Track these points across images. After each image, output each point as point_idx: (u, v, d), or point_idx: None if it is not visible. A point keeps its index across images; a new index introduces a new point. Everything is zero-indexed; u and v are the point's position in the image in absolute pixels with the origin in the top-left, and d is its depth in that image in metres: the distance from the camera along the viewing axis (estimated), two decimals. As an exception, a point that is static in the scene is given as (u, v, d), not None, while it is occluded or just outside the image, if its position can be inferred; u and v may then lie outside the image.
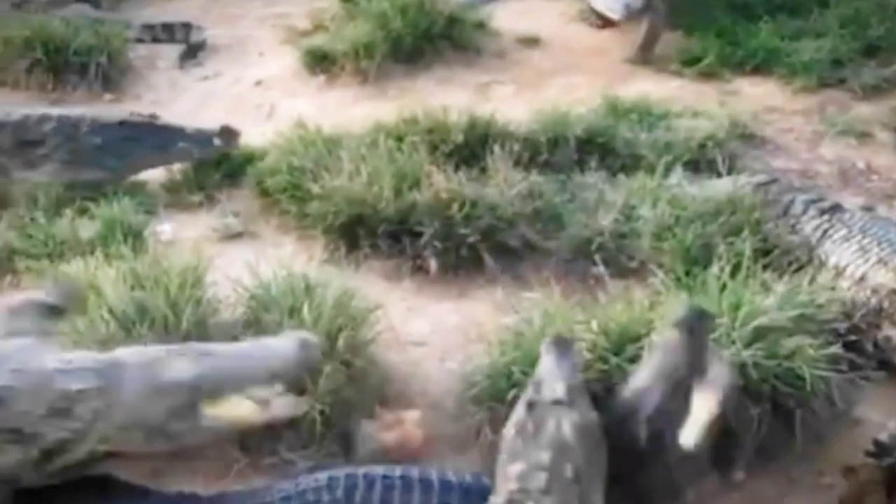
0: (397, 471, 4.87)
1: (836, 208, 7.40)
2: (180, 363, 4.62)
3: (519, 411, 4.68)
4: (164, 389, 4.54)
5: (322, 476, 4.85)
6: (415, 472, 4.87)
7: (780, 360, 5.69)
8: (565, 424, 4.44)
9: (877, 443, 5.34)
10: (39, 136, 8.07)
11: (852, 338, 6.31)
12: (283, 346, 4.84)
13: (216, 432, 4.74)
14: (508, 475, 4.50)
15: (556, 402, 4.54)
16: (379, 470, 4.89)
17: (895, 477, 5.20)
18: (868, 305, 6.60)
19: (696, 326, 4.72)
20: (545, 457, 4.39)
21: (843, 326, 6.24)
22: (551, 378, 4.65)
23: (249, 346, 5.00)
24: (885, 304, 6.59)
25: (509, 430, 4.67)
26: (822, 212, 7.34)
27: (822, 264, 6.99)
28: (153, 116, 8.49)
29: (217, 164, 8.46)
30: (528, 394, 4.70)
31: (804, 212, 7.37)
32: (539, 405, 4.56)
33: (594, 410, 4.63)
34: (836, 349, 5.89)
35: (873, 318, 6.56)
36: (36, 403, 4.38)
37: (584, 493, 4.37)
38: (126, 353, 4.72)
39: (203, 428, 4.64)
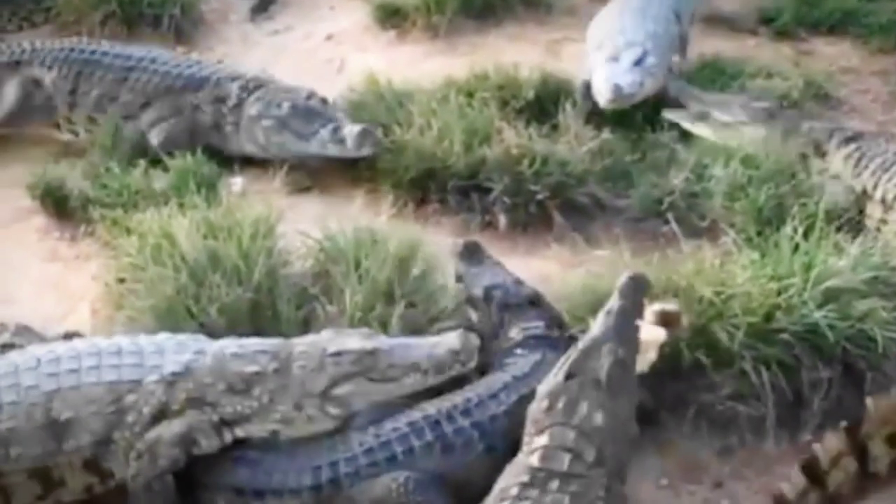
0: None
1: (859, 135, 7.51)
2: (348, 339, 5.24)
3: (556, 380, 4.77)
4: (328, 360, 5.15)
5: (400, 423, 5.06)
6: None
7: (852, 322, 5.65)
8: (597, 412, 4.72)
9: None
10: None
11: None
12: (445, 339, 5.31)
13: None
14: (533, 446, 4.67)
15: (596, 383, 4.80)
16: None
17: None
18: None
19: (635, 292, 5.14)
20: (570, 437, 4.65)
21: None
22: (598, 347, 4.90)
23: (415, 339, 5.45)
24: None
25: (542, 397, 4.77)
26: (848, 140, 7.32)
27: (868, 197, 6.97)
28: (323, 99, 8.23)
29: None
30: (570, 361, 4.84)
31: (829, 140, 7.40)
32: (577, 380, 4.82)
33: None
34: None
35: None
36: (216, 379, 5.07)
37: (610, 475, 4.66)
38: (299, 339, 5.36)
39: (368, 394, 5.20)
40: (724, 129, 7.69)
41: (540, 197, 7.32)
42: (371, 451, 5.03)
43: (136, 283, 6.00)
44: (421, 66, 9.54)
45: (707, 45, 9.77)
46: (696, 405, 5.70)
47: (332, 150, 7.73)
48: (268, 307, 5.93)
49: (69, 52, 8.49)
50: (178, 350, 5.16)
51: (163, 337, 5.29)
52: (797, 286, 5.81)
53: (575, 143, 7.60)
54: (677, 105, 8.21)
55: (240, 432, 5.12)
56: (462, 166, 7.40)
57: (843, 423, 5.33)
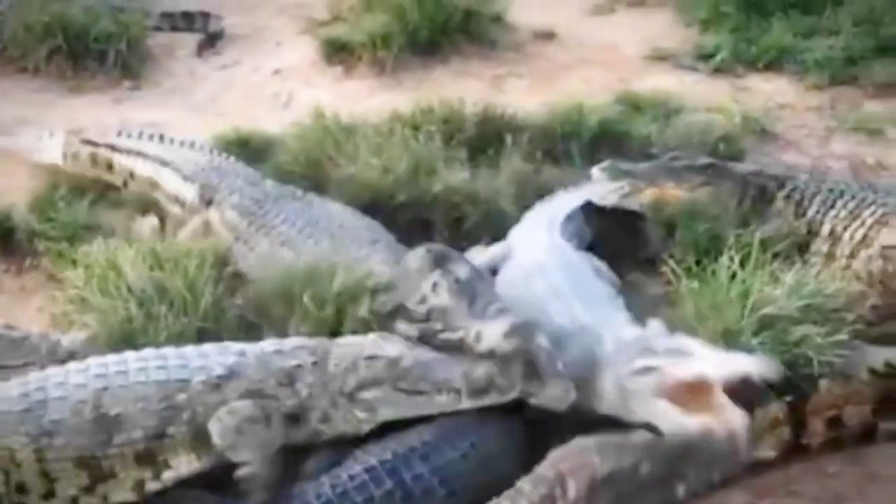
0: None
1: (795, 176, 7.67)
2: (388, 345, 5.30)
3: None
4: (362, 362, 5.19)
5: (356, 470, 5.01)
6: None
7: (788, 347, 5.81)
8: None
9: None
10: None
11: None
12: (485, 364, 5.22)
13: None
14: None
15: None
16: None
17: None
18: (885, 269, 6.79)
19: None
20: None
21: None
22: None
23: (457, 357, 5.34)
24: None
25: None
26: (786, 183, 7.55)
27: (814, 233, 7.17)
28: None
29: (236, 152, 8.50)
30: None
31: (770, 186, 7.56)
32: None
33: None
34: (843, 336, 6.02)
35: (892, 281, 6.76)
36: (264, 375, 5.16)
37: None
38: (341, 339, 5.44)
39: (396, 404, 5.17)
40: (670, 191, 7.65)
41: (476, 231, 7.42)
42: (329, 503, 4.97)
43: (83, 315, 6.02)
44: (367, 100, 9.67)
45: (648, 82, 9.97)
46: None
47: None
48: (215, 337, 5.96)
49: None
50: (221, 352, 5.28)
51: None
52: (735, 314, 5.96)
53: (515, 178, 7.73)
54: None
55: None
56: (407, 199, 7.49)
57: (789, 398, 5.65)
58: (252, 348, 5.32)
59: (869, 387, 5.87)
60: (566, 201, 7.51)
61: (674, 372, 5.38)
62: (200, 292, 6.01)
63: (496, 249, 6.98)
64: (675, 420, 5.34)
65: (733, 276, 6.24)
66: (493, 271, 6.62)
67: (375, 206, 7.45)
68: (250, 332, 5.99)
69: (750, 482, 5.63)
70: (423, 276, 5.69)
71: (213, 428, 5.05)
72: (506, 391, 5.17)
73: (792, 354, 5.82)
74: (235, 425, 5.03)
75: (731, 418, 5.24)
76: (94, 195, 7.91)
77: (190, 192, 7.44)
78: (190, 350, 5.33)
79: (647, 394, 5.42)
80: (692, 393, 5.34)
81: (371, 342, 5.32)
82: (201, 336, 5.82)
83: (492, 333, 5.28)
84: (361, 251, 6.36)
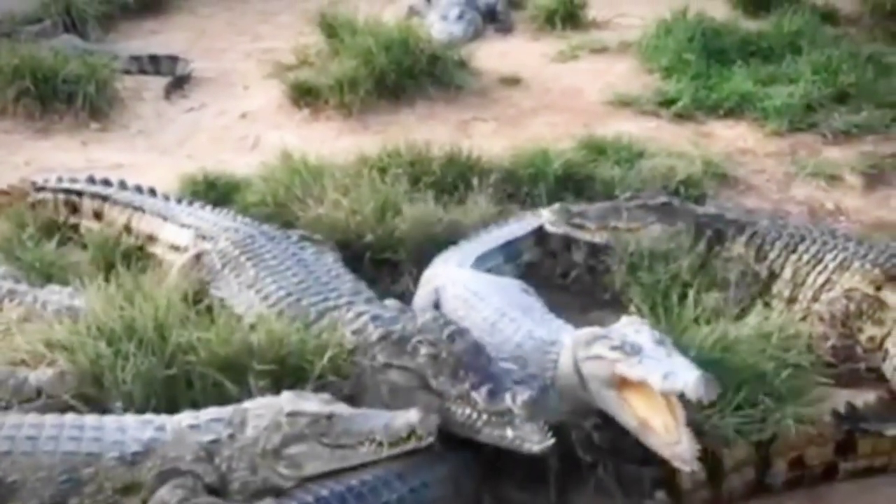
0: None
1: (755, 221, 7.79)
2: (306, 402, 5.30)
3: None
4: (284, 420, 5.20)
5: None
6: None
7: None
8: None
9: None
10: None
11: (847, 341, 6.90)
12: (406, 413, 5.30)
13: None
14: None
15: None
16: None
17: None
18: (848, 310, 6.93)
19: None
20: None
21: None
22: None
23: (376, 411, 5.44)
24: (864, 307, 6.91)
25: None
26: (745, 227, 7.68)
27: (775, 276, 7.30)
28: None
29: (204, 193, 8.55)
30: None
31: (728, 229, 7.68)
32: None
33: None
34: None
35: (855, 323, 6.89)
36: (180, 452, 5.11)
37: None
38: (252, 402, 5.41)
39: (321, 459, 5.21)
40: (625, 233, 7.67)
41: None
42: None
43: (51, 352, 6.01)
44: (334, 143, 9.76)
45: (611, 127, 10.12)
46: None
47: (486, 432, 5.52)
48: (182, 377, 5.96)
49: None
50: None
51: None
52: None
53: (482, 218, 7.84)
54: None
55: None
56: (375, 239, 7.55)
57: (755, 439, 5.80)
58: (171, 422, 5.26)
59: (831, 428, 5.99)
60: (478, 243, 7.60)
61: (620, 368, 5.57)
62: (168, 333, 6.00)
63: (423, 293, 7.09)
64: (619, 411, 5.61)
65: (696, 319, 6.33)
66: (436, 306, 6.76)
67: (343, 246, 7.49)
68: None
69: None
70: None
71: None
72: (424, 438, 5.26)
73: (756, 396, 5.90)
74: None
75: (668, 420, 5.44)
76: (60, 236, 7.92)
77: (186, 236, 7.45)
78: (109, 421, 5.27)
79: (598, 380, 5.67)
80: (640, 387, 5.53)
81: (287, 400, 5.32)
82: (168, 381, 5.83)
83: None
84: (342, 300, 6.35)
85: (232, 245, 7.01)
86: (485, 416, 5.39)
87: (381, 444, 5.22)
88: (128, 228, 7.83)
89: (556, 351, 5.98)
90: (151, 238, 7.72)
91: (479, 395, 5.41)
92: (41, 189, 8.26)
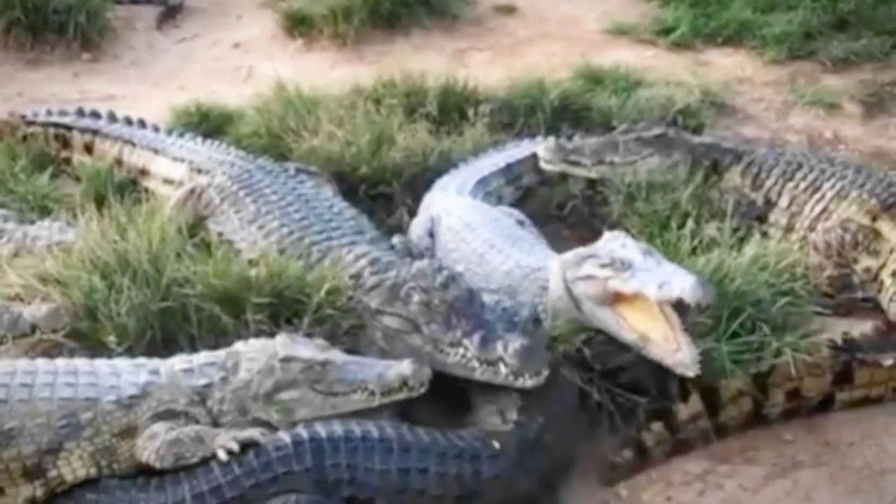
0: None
1: (752, 149, 7.78)
2: (301, 347, 5.28)
3: None
4: (278, 365, 5.18)
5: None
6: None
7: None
8: None
9: None
10: None
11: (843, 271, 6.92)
12: (399, 364, 5.30)
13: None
14: None
15: None
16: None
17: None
18: (843, 241, 6.92)
19: None
20: None
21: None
22: None
23: (370, 359, 5.44)
24: (859, 237, 6.90)
25: None
26: (742, 155, 7.66)
27: (772, 204, 7.28)
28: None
29: (197, 125, 8.50)
30: None
31: (724, 157, 7.67)
32: None
33: None
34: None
35: (851, 253, 6.89)
36: (174, 396, 5.10)
37: None
38: (246, 344, 5.36)
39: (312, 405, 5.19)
40: (621, 167, 7.63)
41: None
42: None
43: (45, 287, 5.98)
44: (328, 74, 9.68)
45: (608, 56, 10.02)
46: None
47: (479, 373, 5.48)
48: (178, 310, 5.94)
49: None
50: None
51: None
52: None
53: (477, 148, 7.80)
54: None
55: None
56: (370, 171, 7.50)
57: (753, 370, 5.81)
58: (164, 366, 5.24)
59: (828, 359, 5.99)
60: (477, 167, 7.60)
61: (614, 285, 5.59)
62: (163, 266, 5.97)
63: (420, 220, 7.11)
64: (616, 328, 5.64)
65: (694, 250, 6.31)
66: (431, 235, 6.87)
67: (338, 178, 7.46)
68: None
69: (708, 448, 5.76)
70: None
71: (147, 457, 4.98)
72: (416, 389, 5.27)
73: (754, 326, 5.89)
74: (167, 448, 4.96)
75: (666, 330, 5.49)
76: (54, 168, 7.87)
77: (180, 170, 7.40)
78: (102, 365, 5.24)
79: (592, 300, 5.69)
80: (634, 300, 5.56)
81: (282, 345, 5.29)
82: (164, 310, 5.81)
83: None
84: (344, 239, 6.32)
85: (230, 180, 6.96)
86: (476, 362, 5.41)
87: (372, 392, 5.21)
88: (119, 162, 7.79)
89: (543, 277, 5.99)
90: (144, 172, 7.68)
91: (472, 343, 5.40)
92: (31, 123, 8.19)
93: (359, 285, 5.85)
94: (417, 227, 7.03)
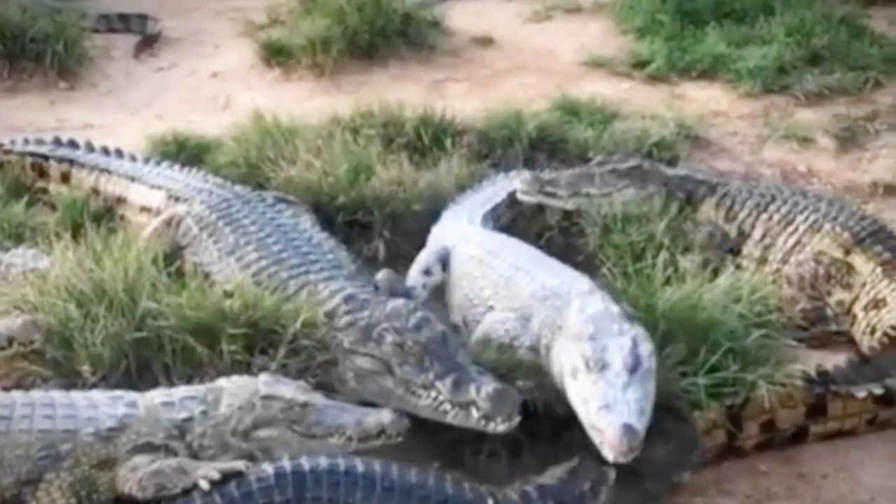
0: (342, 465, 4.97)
1: (725, 182, 7.79)
2: (284, 387, 5.26)
3: None
4: (259, 402, 5.17)
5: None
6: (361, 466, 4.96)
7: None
8: None
9: None
10: None
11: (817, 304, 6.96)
12: (378, 412, 5.29)
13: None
14: None
15: None
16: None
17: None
18: (817, 274, 6.96)
19: None
20: None
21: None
22: None
23: (351, 405, 5.40)
24: (832, 271, 6.95)
25: None
26: (715, 188, 7.69)
27: (746, 236, 7.33)
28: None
29: (174, 154, 8.48)
30: None
31: (697, 190, 7.70)
32: None
33: None
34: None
35: (824, 286, 6.94)
36: (153, 430, 5.06)
37: None
38: (228, 380, 5.34)
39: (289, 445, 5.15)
40: (597, 198, 7.64)
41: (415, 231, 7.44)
42: None
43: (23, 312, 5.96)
44: (306, 103, 9.70)
45: (585, 88, 10.09)
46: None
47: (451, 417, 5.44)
48: (153, 340, 5.92)
49: None
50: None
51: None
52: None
53: (456, 180, 7.82)
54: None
55: None
56: (347, 200, 7.51)
57: (728, 402, 5.83)
58: (143, 399, 5.21)
59: (802, 391, 6.02)
60: (483, 197, 7.65)
61: (568, 381, 5.46)
62: (139, 295, 5.95)
63: (431, 250, 7.07)
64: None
65: (668, 280, 6.34)
66: (444, 265, 6.85)
67: (315, 208, 7.45)
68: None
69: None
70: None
71: (128, 488, 4.93)
72: (392, 438, 5.25)
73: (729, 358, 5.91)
74: (149, 478, 4.91)
75: None
76: (29, 197, 7.84)
77: (157, 198, 7.38)
78: (79, 397, 5.21)
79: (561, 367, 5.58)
80: None
81: (265, 383, 5.28)
82: (139, 340, 5.80)
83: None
84: (322, 274, 6.29)
85: (208, 209, 6.94)
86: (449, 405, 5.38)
87: (350, 438, 5.20)
88: (96, 191, 7.77)
89: (561, 305, 5.89)
90: (120, 200, 7.66)
91: (444, 386, 5.36)
92: (8, 152, 8.17)
93: (333, 323, 5.81)
94: (427, 258, 7.00)
